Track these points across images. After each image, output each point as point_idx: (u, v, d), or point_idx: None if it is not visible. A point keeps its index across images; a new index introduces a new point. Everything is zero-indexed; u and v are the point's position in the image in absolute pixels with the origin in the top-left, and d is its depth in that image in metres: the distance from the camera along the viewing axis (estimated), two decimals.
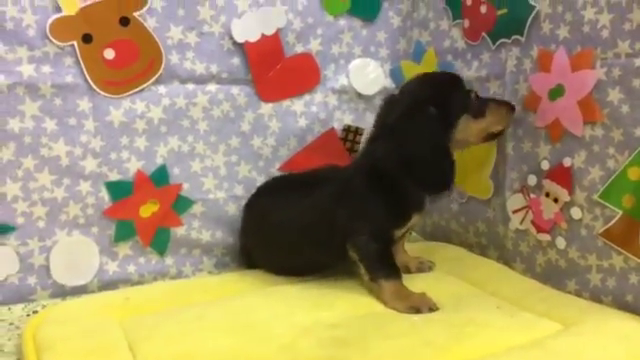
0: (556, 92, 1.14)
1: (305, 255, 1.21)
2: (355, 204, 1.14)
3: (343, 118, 1.48)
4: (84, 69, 1.20)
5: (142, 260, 1.30)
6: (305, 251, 1.20)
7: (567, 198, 1.12)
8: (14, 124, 1.15)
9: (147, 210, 1.28)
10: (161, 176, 1.29)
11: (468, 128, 1.16)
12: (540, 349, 0.87)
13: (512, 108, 1.19)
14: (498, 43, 1.28)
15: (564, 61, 1.12)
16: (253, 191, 1.35)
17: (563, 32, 1.12)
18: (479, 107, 1.17)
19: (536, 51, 1.18)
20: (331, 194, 1.17)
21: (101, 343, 0.92)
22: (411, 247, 1.46)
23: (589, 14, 1.06)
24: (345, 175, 1.20)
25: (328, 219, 1.14)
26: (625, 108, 1.02)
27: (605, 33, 1.04)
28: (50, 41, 1.16)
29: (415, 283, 1.15)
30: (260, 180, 1.40)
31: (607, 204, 1.05)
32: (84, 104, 1.21)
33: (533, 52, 1.19)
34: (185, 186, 1.33)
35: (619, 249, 1.03)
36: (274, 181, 1.36)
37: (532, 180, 1.21)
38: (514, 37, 1.23)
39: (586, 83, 1.07)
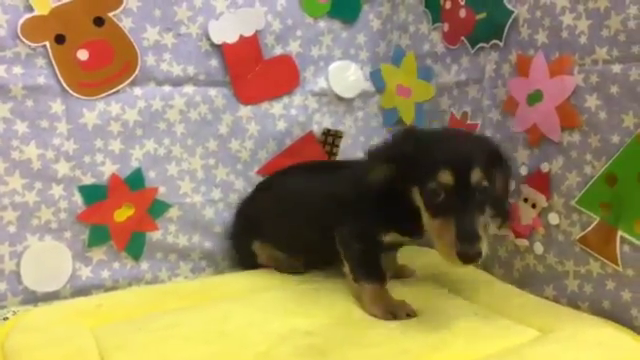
0: (534, 97, 1.13)
1: (307, 238, 1.22)
2: (347, 197, 1.11)
3: (322, 121, 1.47)
4: (57, 70, 1.17)
5: (117, 265, 1.27)
6: (306, 233, 1.21)
7: (545, 204, 1.12)
8: None
9: (122, 214, 1.26)
10: (136, 180, 1.27)
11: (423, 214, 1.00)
12: (516, 356, 0.87)
13: (461, 255, 0.90)
14: (477, 47, 1.28)
15: (542, 66, 1.11)
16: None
17: (542, 37, 1.12)
18: (436, 209, 0.95)
19: (515, 56, 1.18)
20: (334, 180, 1.17)
21: (71, 352, 0.90)
22: None
23: (567, 20, 1.06)
24: (354, 166, 1.18)
25: (325, 204, 1.15)
26: (602, 114, 1.02)
27: (583, 39, 1.04)
28: (21, 41, 1.13)
29: (394, 288, 1.14)
30: (238, 184, 1.38)
31: (584, 210, 1.05)
32: (57, 106, 1.18)
33: (512, 57, 1.19)
34: (161, 190, 1.30)
35: (596, 255, 1.04)
36: (292, 167, 1.35)
37: (510, 185, 1.20)
38: (493, 41, 1.23)
39: (564, 89, 1.07)
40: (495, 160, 1.02)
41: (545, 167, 1.12)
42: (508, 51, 1.20)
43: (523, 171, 1.17)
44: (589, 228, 1.05)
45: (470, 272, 1.26)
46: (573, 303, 1.08)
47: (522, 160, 1.18)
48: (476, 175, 0.93)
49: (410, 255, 1.39)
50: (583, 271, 1.07)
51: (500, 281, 1.21)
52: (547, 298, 1.12)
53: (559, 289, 1.11)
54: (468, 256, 0.89)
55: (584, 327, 0.97)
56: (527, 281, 1.17)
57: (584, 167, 1.05)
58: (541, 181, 1.13)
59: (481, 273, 1.25)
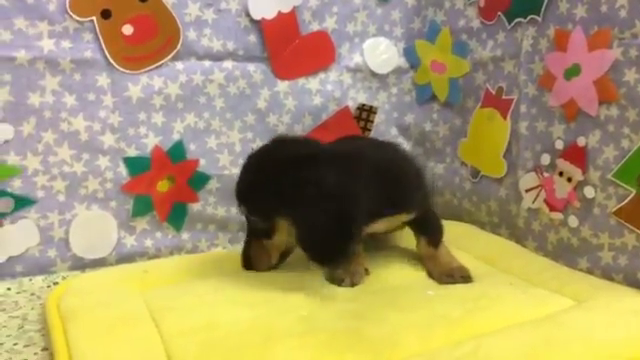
0: (572, 71, 1.14)
1: None
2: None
3: (357, 97, 1.49)
4: (103, 44, 1.21)
5: (159, 235, 1.32)
6: None
7: (580, 177, 1.14)
8: (34, 99, 1.17)
9: (164, 185, 1.30)
10: (178, 152, 1.31)
11: None
12: (553, 323, 0.88)
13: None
14: (514, 23, 1.29)
15: (581, 41, 1.12)
16: None
17: (580, 11, 1.12)
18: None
19: (552, 30, 1.18)
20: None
21: (124, 313, 0.94)
22: None
23: None
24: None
25: None
26: None
27: (623, 13, 1.04)
28: (70, 16, 1.17)
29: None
30: None
31: (621, 183, 1.06)
32: (103, 79, 1.22)
33: (549, 31, 1.19)
34: (201, 162, 1.34)
35: (632, 227, 1.05)
36: None
37: (545, 159, 1.22)
38: (530, 16, 1.23)
39: (603, 63, 1.08)
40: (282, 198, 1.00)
41: (581, 141, 1.13)
42: (546, 26, 1.20)
43: (559, 145, 1.18)
44: (625, 201, 1.06)
45: (504, 245, 1.28)
46: (607, 275, 1.09)
47: (558, 134, 1.19)
48: (241, 209, 1.09)
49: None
50: (618, 243, 1.08)
51: (534, 253, 1.23)
52: (581, 270, 1.14)
53: (593, 261, 1.13)
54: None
55: (619, 297, 0.99)
56: (561, 254, 1.19)
57: (621, 141, 1.06)
58: (577, 155, 1.14)
59: (515, 246, 1.27)
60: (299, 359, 0.80)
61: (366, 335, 0.86)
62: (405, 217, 1.13)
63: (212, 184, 1.35)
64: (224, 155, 1.36)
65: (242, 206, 1.07)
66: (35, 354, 0.89)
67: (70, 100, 1.20)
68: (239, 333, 0.87)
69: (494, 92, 1.35)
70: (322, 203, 0.96)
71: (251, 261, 1.11)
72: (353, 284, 1.05)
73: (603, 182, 1.10)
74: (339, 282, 1.06)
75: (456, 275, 1.09)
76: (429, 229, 1.17)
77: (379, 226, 1.10)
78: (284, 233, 1.05)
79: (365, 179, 1.02)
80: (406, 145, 1.58)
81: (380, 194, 1.03)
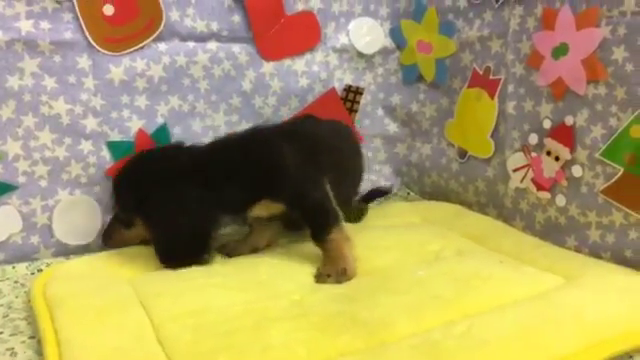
0: (560, 50, 1.14)
1: None
2: None
3: (343, 78, 1.48)
4: (83, 25, 1.17)
5: None
6: None
7: (568, 156, 1.14)
8: (13, 82, 1.13)
9: None
10: (162, 135, 1.28)
11: None
12: (545, 302, 0.89)
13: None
14: (501, 1, 1.28)
15: (569, 19, 1.12)
16: None
17: None
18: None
19: (540, 9, 1.18)
20: None
21: (112, 299, 0.92)
22: (408, 206, 1.49)
23: None
24: None
25: None
26: (629, 67, 1.03)
27: None
28: None
29: (413, 237, 1.18)
30: None
31: (608, 162, 1.07)
32: (84, 61, 1.19)
33: (537, 10, 1.19)
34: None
35: (619, 205, 1.06)
36: None
37: (533, 139, 1.22)
38: None
39: (591, 41, 1.08)
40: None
41: (569, 120, 1.14)
42: (533, 4, 1.20)
43: (547, 124, 1.19)
44: (613, 179, 1.06)
45: (492, 224, 1.29)
46: (595, 253, 1.10)
47: (546, 114, 1.19)
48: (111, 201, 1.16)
49: (428, 208, 1.43)
50: (606, 221, 1.09)
51: (522, 232, 1.24)
52: (569, 249, 1.15)
53: (581, 240, 1.14)
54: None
55: (609, 274, 1.00)
56: (548, 233, 1.20)
57: (609, 119, 1.06)
58: (565, 134, 1.15)
59: (503, 225, 1.28)
60: (294, 342, 0.79)
61: (359, 318, 0.85)
62: (272, 203, 1.10)
63: None
64: (209, 138, 1.32)
65: (112, 194, 1.14)
66: (22, 342, 0.87)
67: (50, 83, 1.17)
68: (232, 317, 0.86)
69: (481, 72, 1.35)
70: (179, 218, 1.07)
71: (110, 241, 1.18)
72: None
73: (591, 161, 1.10)
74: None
75: (332, 278, 1.02)
76: (309, 221, 1.09)
77: (259, 211, 1.11)
78: (140, 230, 1.13)
79: (228, 171, 1.09)
80: (393, 126, 1.57)
81: (247, 182, 1.08)
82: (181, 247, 1.09)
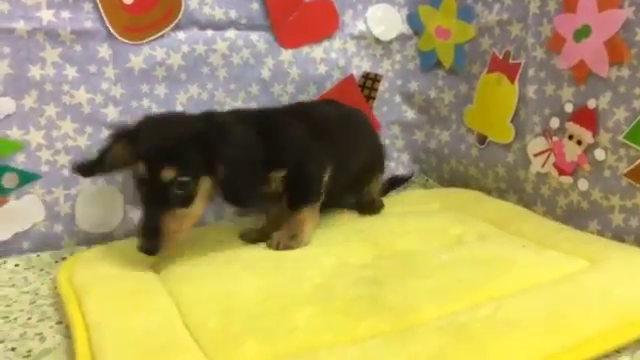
0: (582, 33, 1.13)
1: None
2: None
3: (361, 65, 1.47)
4: (103, 14, 1.18)
5: None
6: None
7: (591, 140, 1.13)
8: (35, 71, 1.14)
9: None
10: None
11: None
12: (570, 284, 0.89)
13: (139, 248, 0.97)
14: None
15: (590, 1, 1.11)
16: None
17: None
18: (139, 197, 1.01)
19: None
20: None
21: (138, 285, 0.93)
22: (428, 193, 1.49)
23: None
24: None
25: None
26: None
27: None
28: None
29: (433, 222, 1.18)
30: None
31: (632, 144, 1.06)
32: (104, 51, 1.20)
33: None
34: None
35: None
36: None
37: (555, 123, 1.21)
38: None
39: (613, 23, 1.07)
40: (210, 146, 0.97)
41: (592, 103, 1.13)
42: None
43: (568, 108, 1.18)
44: (637, 162, 1.06)
45: (513, 209, 1.28)
46: (618, 237, 1.10)
47: (567, 97, 1.18)
48: (168, 173, 0.95)
49: (447, 194, 1.43)
50: (629, 205, 1.08)
51: (543, 217, 1.23)
52: (591, 233, 1.14)
53: (604, 224, 1.13)
54: (144, 250, 0.96)
55: (633, 257, 0.99)
56: (570, 217, 1.19)
57: (633, 101, 1.05)
58: (587, 117, 1.14)
59: (524, 210, 1.27)
60: (319, 325, 0.79)
61: (384, 301, 0.85)
62: (276, 174, 1.09)
63: None
64: None
65: (167, 167, 0.95)
66: (50, 327, 0.88)
67: (71, 72, 1.17)
68: (257, 302, 0.86)
69: (501, 57, 1.34)
70: (247, 152, 1.01)
71: (159, 242, 0.96)
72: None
73: (614, 144, 1.09)
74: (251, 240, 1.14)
75: (283, 243, 1.07)
76: (295, 188, 1.11)
77: (269, 185, 1.10)
78: (203, 198, 1.01)
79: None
80: (410, 113, 1.57)
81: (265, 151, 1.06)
82: (253, 196, 1.04)
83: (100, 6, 1.17)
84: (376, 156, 1.37)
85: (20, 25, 1.11)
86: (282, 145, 1.09)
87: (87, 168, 1.06)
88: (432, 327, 0.78)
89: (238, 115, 1.13)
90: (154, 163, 0.95)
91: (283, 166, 1.09)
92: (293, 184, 1.11)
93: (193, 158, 0.97)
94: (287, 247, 1.07)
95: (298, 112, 1.20)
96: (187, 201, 0.98)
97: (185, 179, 0.96)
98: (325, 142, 1.15)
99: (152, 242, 0.96)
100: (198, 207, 1.01)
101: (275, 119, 1.14)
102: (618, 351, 0.76)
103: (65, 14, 1.15)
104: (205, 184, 0.99)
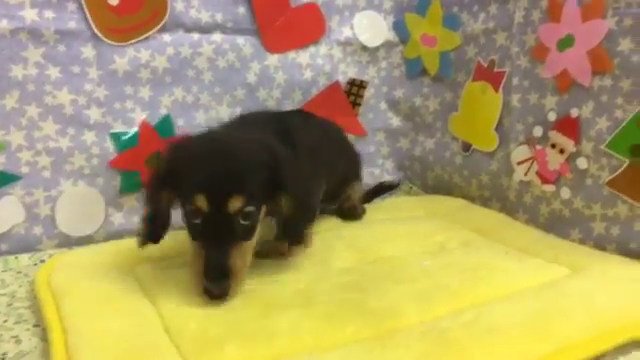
0: (565, 42, 1.14)
1: None
2: None
3: (347, 71, 1.48)
4: (87, 14, 1.17)
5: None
6: None
7: (573, 149, 1.14)
8: (17, 71, 1.13)
9: (152, 161, 1.27)
10: (166, 127, 1.28)
11: None
12: (552, 291, 0.89)
13: (206, 292, 0.85)
14: None
15: (574, 11, 1.12)
16: None
17: None
18: (193, 231, 0.89)
19: (546, 1, 1.18)
20: None
21: (118, 288, 0.92)
22: (412, 200, 1.49)
23: None
24: None
25: None
26: (636, 58, 1.03)
27: None
28: None
29: (417, 228, 1.18)
30: None
31: (614, 153, 1.07)
32: (88, 51, 1.18)
33: (543, 2, 1.19)
34: None
35: (625, 197, 1.06)
36: None
37: (538, 131, 1.22)
38: None
39: (596, 33, 1.08)
40: (276, 177, 0.89)
41: (574, 112, 1.14)
42: None
43: (551, 117, 1.19)
44: (618, 171, 1.06)
45: (496, 217, 1.29)
46: (600, 245, 1.11)
47: (551, 106, 1.19)
48: (235, 203, 0.84)
49: (431, 202, 1.43)
50: (611, 214, 1.09)
51: (526, 225, 1.24)
52: (573, 241, 1.15)
53: (585, 232, 1.13)
54: (212, 294, 0.84)
55: (615, 265, 1.00)
56: (553, 226, 1.20)
57: (615, 111, 1.06)
58: (570, 126, 1.15)
59: (507, 218, 1.28)
60: (301, 330, 0.79)
61: (367, 306, 0.85)
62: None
63: None
64: None
65: (235, 196, 0.84)
66: (27, 330, 0.86)
67: (54, 72, 1.16)
68: (237, 306, 0.85)
69: (486, 65, 1.35)
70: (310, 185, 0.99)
71: (229, 284, 0.85)
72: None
73: (596, 153, 1.10)
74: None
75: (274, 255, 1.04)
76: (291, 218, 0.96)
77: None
78: (261, 225, 0.92)
79: None
80: (396, 120, 1.57)
81: None
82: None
83: (85, 6, 1.16)
84: (353, 165, 1.36)
85: (3, 24, 1.10)
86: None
87: (155, 236, 0.96)
88: (414, 332, 0.78)
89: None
90: (218, 193, 0.84)
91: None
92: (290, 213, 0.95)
93: (257, 185, 0.87)
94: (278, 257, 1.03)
95: (282, 132, 1.05)
96: (251, 233, 0.89)
97: (251, 209, 0.86)
98: (316, 164, 1.10)
99: (223, 285, 0.84)
100: (258, 235, 0.92)
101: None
102: (598, 358, 0.76)
103: (49, 14, 1.14)
104: (262, 213, 0.91)
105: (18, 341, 0.83)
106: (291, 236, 1.01)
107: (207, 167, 0.86)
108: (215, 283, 0.84)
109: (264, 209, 0.91)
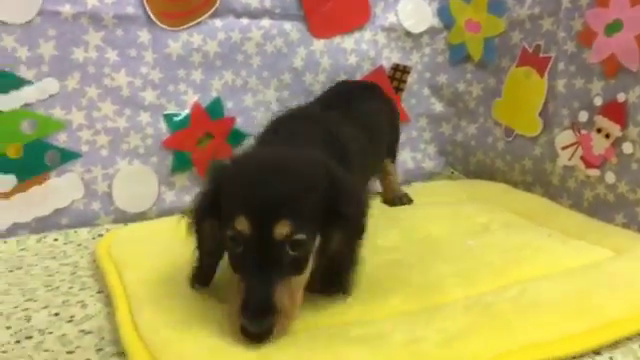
0: (613, 27, 1.14)
1: None
2: None
3: (391, 56, 1.50)
4: (144, 0, 1.22)
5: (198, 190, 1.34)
6: None
7: (619, 133, 1.14)
8: (79, 54, 1.19)
9: (203, 142, 1.32)
10: (216, 109, 1.33)
11: None
12: (595, 270, 0.90)
13: (243, 331, 0.70)
14: None
15: None
16: None
17: None
18: (234, 262, 0.76)
19: None
20: None
21: (173, 259, 0.96)
22: (454, 184, 1.50)
23: None
24: None
25: None
26: None
27: None
28: None
29: (461, 210, 1.20)
30: None
31: None
32: (144, 35, 1.24)
33: None
34: (238, 120, 1.36)
35: None
36: None
37: (583, 116, 1.22)
38: None
39: None
40: (334, 203, 0.75)
41: (621, 97, 1.14)
42: None
43: (597, 102, 1.19)
44: None
45: (539, 201, 1.29)
46: None
47: (597, 91, 1.19)
48: (282, 228, 0.70)
49: (474, 186, 1.45)
50: None
51: (569, 210, 1.24)
52: (617, 225, 1.15)
53: (630, 216, 1.14)
54: (250, 334, 0.69)
55: None
56: (597, 210, 1.20)
57: None
58: (616, 111, 1.15)
59: (550, 203, 1.28)
60: (348, 299, 0.82)
61: (412, 281, 0.88)
62: None
63: (249, 142, 1.37)
64: (260, 113, 1.38)
65: (282, 220, 0.71)
66: (91, 296, 0.92)
67: (113, 55, 1.22)
68: None
69: (531, 50, 1.35)
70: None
71: (273, 323, 0.70)
72: None
73: None
74: None
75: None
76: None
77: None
78: (313, 260, 0.77)
79: None
80: (438, 105, 1.59)
81: None
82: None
83: None
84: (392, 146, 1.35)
85: (66, 9, 1.16)
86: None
87: (204, 280, 0.86)
88: (459, 306, 0.80)
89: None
90: (263, 216, 0.71)
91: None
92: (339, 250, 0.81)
93: (311, 210, 0.74)
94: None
95: (332, 142, 0.93)
96: (302, 266, 0.74)
97: (302, 237, 0.72)
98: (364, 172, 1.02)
99: (264, 323, 0.69)
100: (310, 271, 0.77)
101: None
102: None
103: None
104: (316, 243, 0.77)
105: (84, 305, 0.89)
106: (335, 283, 0.82)
107: (252, 187, 0.73)
108: (255, 322, 0.69)
109: (318, 240, 0.76)
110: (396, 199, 1.34)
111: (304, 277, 0.75)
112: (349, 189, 0.78)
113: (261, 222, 0.71)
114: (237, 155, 0.82)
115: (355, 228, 0.80)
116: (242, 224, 0.71)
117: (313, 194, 0.74)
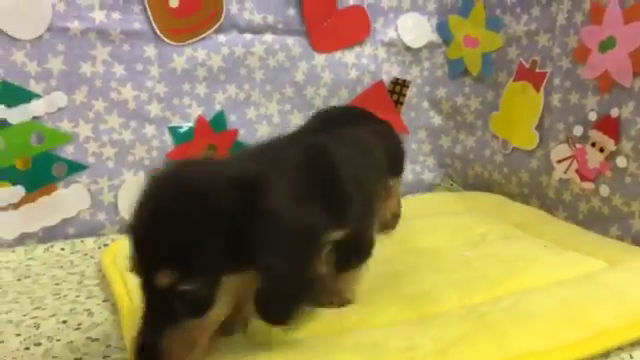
0: (607, 44, 1.17)
1: None
2: None
3: (391, 71, 1.53)
4: (150, 16, 1.25)
5: None
6: None
7: (613, 147, 1.17)
8: (86, 68, 1.22)
9: (207, 154, 1.35)
10: (220, 122, 1.36)
11: None
12: (589, 281, 0.92)
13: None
14: None
15: (616, 13, 1.15)
16: None
17: None
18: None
19: (588, 4, 1.21)
20: None
21: None
22: (452, 196, 1.53)
23: None
24: None
25: None
26: None
27: None
28: None
29: (458, 221, 1.22)
30: None
31: None
32: (150, 50, 1.27)
33: (585, 5, 1.22)
34: (241, 132, 1.39)
35: None
36: None
37: (578, 130, 1.25)
38: None
39: (638, 35, 1.11)
40: (246, 236, 0.63)
41: (615, 112, 1.17)
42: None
43: (592, 117, 1.22)
44: None
45: (535, 213, 1.32)
46: (638, 241, 1.13)
47: (591, 106, 1.22)
48: (162, 279, 0.61)
49: (471, 198, 1.47)
50: None
51: (565, 221, 1.27)
52: (612, 237, 1.17)
53: (624, 229, 1.16)
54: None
55: None
56: (591, 222, 1.23)
57: None
58: (610, 126, 1.17)
59: (546, 215, 1.31)
60: (344, 310, 0.84)
61: (407, 292, 0.90)
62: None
63: None
64: (263, 126, 1.41)
65: (162, 272, 0.61)
66: (97, 304, 0.94)
67: (119, 70, 1.25)
68: None
69: (527, 66, 1.38)
70: (297, 237, 0.66)
71: None
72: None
73: (635, 152, 1.13)
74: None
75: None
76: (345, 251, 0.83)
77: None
78: (228, 298, 0.66)
79: None
80: (437, 118, 1.62)
81: None
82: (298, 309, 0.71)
83: (148, 8, 1.25)
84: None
85: (74, 25, 1.19)
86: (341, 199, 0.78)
87: None
88: (454, 315, 0.82)
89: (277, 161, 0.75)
90: (145, 262, 0.63)
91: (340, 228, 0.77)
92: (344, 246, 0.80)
93: (206, 252, 0.62)
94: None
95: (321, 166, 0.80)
96: (201, 310, 0.64)
97: (187, 288, 0.61)
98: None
99: None
100: (221, 310, 0.66)
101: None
102: (632, 344, 0.79)
103: (116, 15, 1.23)
104: (231, 283, 0.64)
105: (90, 314, 0.91)
106: (269, 314, 0.68)
107: (140, 222, 0.64)
108: None
109: (234, 278, 0.64)
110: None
111: (209, 320, 0.65)
112: (277, 226, 0.64)
113: (145, 267, 0.63)
114: (157, 171, 0.69)
115: (280, 280, 0.65)
116: (131, 264, 0.64)
117: (211, 233, 0.62)
